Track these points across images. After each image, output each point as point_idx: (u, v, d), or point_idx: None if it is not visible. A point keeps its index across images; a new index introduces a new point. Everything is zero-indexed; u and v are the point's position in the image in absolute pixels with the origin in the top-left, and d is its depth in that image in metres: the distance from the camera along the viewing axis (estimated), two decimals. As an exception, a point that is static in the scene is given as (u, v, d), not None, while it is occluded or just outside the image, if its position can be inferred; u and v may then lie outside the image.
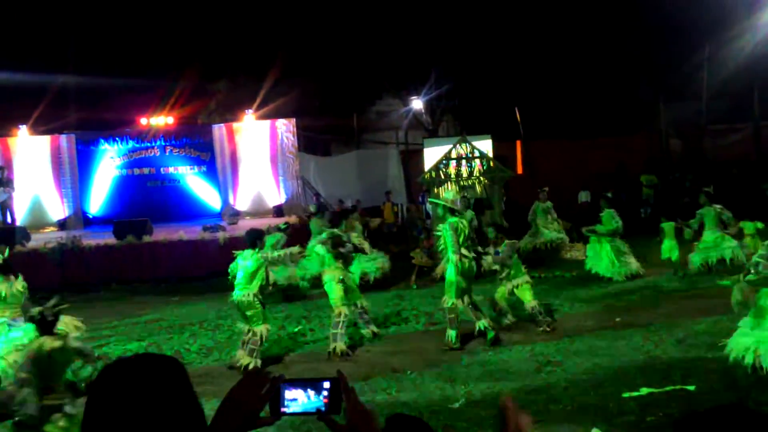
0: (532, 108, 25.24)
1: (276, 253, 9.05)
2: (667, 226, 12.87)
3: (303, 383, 1.72)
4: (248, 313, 8.53)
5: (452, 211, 9.35)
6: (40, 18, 23.14)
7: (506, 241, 9.77)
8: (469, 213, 13.72)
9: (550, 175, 20.75)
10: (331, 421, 1.69)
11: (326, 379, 1.71)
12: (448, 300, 9.01)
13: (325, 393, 1.69)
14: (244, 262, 8.65)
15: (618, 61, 25.15)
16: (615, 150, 22.69)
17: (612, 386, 6.95)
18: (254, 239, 8.85)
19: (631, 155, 22.58)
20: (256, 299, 8.52)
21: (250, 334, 8.44)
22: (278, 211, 19.11)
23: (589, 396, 6.73)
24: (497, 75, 26.04)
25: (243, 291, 8.55)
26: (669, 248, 12.74)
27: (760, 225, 12.04)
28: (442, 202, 9.77)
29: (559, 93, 25.81)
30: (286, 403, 1.69)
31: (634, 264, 12.46)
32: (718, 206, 11.93)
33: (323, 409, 1.68)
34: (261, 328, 8.50)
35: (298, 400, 1.70)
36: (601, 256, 12.46)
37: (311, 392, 1.70)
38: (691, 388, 6.71)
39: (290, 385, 1.71)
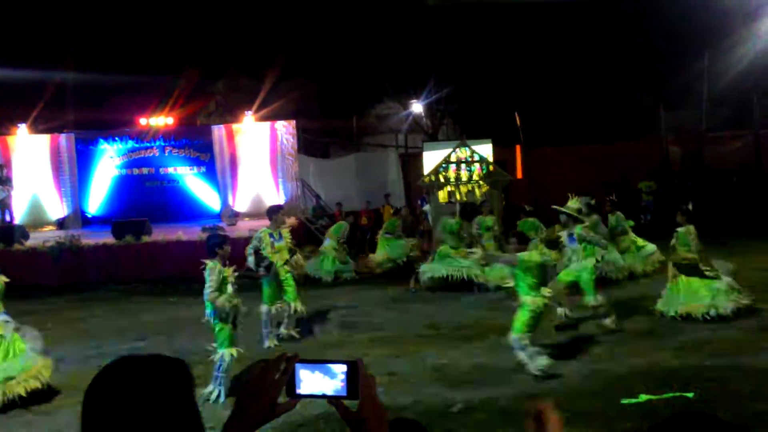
0: (532, 113, 25.25)
1: (211, 277, 7.42)
2: None
3: (319, 365, 1.65)
4: (215, 333, 7.64)
5: (576, 220, 9.78)
6: (41, 17, 23.13)
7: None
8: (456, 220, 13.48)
9: (550, 180, 20.76)
10: (342, 406, 1.63)
11: (343, 362, 1.64)
12: (593, 297, 9.55)
13: (342, 377, 1.62)
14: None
15: (618, 68, 25.16)
16: (614, 156, 22.70)
17: (611, 393, 6.95)
18: (213, 247, 7.68)
19: (631, 162, 22.59)
20: (219, 317, 7.54)
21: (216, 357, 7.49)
22: (277, 212, 19.09)
23: (588, 402, 6.72)
24: (497, 79, 26.04)
25: (206, 309, 7.65)
26: None
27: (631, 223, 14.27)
28: (567, 211, 9.94)
29: (560, 98, 25.81)
30: (301, 384, 1.63)
31: None
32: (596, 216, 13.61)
33: (340, 393, 1.62)
34: (224, 352, 7.50)
35: (314, 382, 1.63)
36: None
37: (327, 375, 1.63)
38: (690, 395, 6.71)
39: (306, 366, 1.64)
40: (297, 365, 1.64)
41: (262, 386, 1.61)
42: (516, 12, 23.90)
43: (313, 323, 10.75)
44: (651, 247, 13.52)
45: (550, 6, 22.87)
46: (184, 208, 19.89)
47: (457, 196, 16.03)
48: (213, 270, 7.42)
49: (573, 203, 10.23)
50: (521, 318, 7.62)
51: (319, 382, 1.63)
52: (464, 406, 6.86)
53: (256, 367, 1.63)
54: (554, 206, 10.24)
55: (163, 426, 1.50)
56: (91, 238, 16.40)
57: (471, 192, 16.07)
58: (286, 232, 9.77)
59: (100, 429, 1.50)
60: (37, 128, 20.45)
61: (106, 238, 16.11)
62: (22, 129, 19.89)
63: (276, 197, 19.66)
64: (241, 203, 19.81)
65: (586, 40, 24.39)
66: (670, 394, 6.76)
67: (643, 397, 6.75)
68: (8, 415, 7.27)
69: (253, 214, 19.38)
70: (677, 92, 25.00)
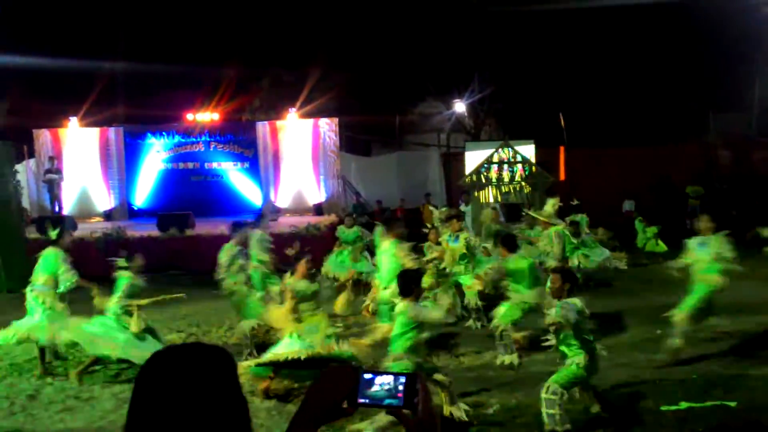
0: (576, 114, 24.95)
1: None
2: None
3: (381, 375, 1.74)
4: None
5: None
6: (92, 10, 23.69)
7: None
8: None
9: (594, 182, 20.50)
10: (402, 415, 1.71)
11: (402, 375, 1.73)
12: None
13: (401, 388, 1.71)
14: None
15: (667, 70, 24.74)
16: (661, 159, 22.29)
17: (650, 399, 6.84)
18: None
19: (678, 165, 22.15)
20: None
21: None
22: (318, 209, 19.26)
23: (627, 408, 6.63)
24: (541, 80, 25.80)
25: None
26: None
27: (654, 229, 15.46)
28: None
29: (605, 100, 25.47)
30: (362, 393, 1.72)
31: None
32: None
33: (398, 404, 1.71)
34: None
35: (375, 392, 1.72)
36: None
37: (388, 386, 1.72)
38: (732, 404, 6.57)
39: (368, 376, 1.73)
40: (361, 375, 1.74)
41: (329, 389, 1.71)
42: (561, 13, 23.66)
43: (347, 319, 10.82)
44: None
45: (597, 9, 22.58)
46: (227, 203, 20.15)
47: (499, 198, 15.97)
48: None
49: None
50: None
51: (380, 391, 1.72)
52: (500, 408, 6.83)
53: (326, 370, 1.70)
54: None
55: (211, 412, 1.55)
56: (136, 230, 16.74)
57: (518, 192, 15.94)
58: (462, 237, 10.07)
59: (151, 416, 1.55)
60: (87, 122, 20.94)
61: (151, 230, 16.42)
62: (73, 122, 20.39)
63: (317, 194, 19.82)
64: (282, 199, 20.00)
65: (634, 43, 24.04)
66: (712, 403, 6.64)
67: (684, 405, 6.64)
68: (52, 401, 7.47)
69: (294, 210, 19.56)
70: (727, 96, 24.49)
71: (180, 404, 1.53)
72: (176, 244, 16.00)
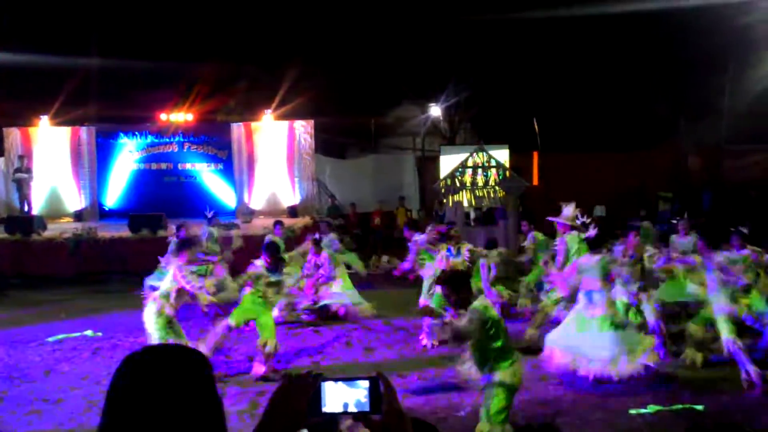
0: (550, 120, 25.17)
1: None
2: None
3: (342, 381, 1.70)
4: None
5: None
6: (65, 12, 23.42)
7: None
8: None
9: (566, 188, 20.66)
10: (368, 419, 1.69)
11: (365, 378, 1.70)
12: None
13: (365, 392, 1.68)
14: None
15: (639, 77, 25.06)
16: (633, 166, 22.58)
17: (619, 402, 6.92)
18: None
19: (649, 172, 22.45)
20: None
21: None
22: (292, 211, 19.21)
23: (596, 411, 6.70)
24: (516, 85, 25.99)
25: None
26: None
27: None
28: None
29: (579, 106, 25.72)
30: (326, 402, 1.68)
31: None
32: None
33: (364, 409, 1.67)
34: None
35: (338, 399, 1.68)
36: None
37: (351, 391, 1.68)
38: (700, 407, 6.68)
39: (329, 384, 1.69)
40: (321, 383, 1.70)
41: (289, 399, 1.68)
42: (536, 20, 23.88)
43: (325, 323, 10.80)
44: None
45: (571, 16, 22.83)
46: (200, 204, 19.86)
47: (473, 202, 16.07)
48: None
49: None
50: None
51: (343, 398, 1.69)
52: (472, 410, 6.85)
53: (282, 379, 1.68)
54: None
55: (187, 416, 1.53)
56: (107, 231, 16.54)
57: (492, 196, 16.05)
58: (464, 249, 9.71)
59: (126, 418, 1.52)
60: (58, 120, 20.64)
61: (123, 231, 16.25)
62: (44, 121, 20.11)
63: (292, 196, 19.76)
64: (256, 201, 19.90)
65: (608, 49, 24.32)
66: (680, 406, 6.73)
67: (652, 408, 6.73)
68: (20, 404, 7.36)
69: (268, 212, 19.46)
70: (698, 104, 24.85)
71: (156, 407, 1.51)
72: (148, 245, 15.82)
